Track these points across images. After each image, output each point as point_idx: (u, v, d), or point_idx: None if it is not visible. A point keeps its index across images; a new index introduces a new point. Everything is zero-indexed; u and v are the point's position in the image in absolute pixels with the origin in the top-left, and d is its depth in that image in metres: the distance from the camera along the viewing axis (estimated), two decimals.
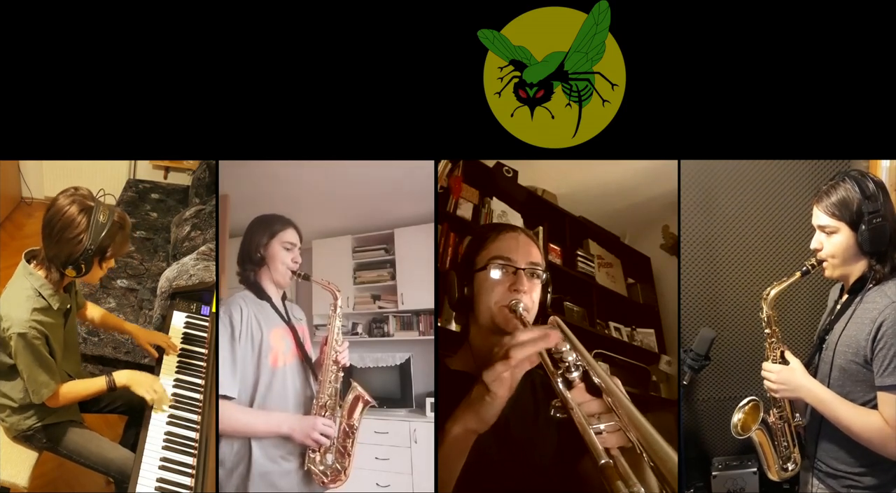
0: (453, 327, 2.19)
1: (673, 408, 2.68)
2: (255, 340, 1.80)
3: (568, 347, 1.18)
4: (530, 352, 1.14)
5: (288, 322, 1.91)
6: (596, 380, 1.15)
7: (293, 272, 1.92)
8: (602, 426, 1.09)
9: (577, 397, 1.14)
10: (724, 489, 2.27)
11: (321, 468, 1.83)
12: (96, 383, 2.00)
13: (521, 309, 1.33)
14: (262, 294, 1.89)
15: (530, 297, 1.37)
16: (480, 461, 1.22)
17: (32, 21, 1.76)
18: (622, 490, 1.01)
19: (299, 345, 1.91)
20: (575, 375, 1.16)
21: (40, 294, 1.87)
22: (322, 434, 1.81)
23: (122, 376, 2.00)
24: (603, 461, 1.05)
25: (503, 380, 1.12)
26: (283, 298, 1.96)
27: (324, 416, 1.84)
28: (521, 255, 1.39)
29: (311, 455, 1.83)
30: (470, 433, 1.16)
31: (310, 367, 1.92)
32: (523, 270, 1.38)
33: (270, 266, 1.89)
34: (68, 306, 1.99)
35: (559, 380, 1.17)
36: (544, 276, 1.41)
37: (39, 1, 1.75)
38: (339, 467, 1.83)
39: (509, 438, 1.30)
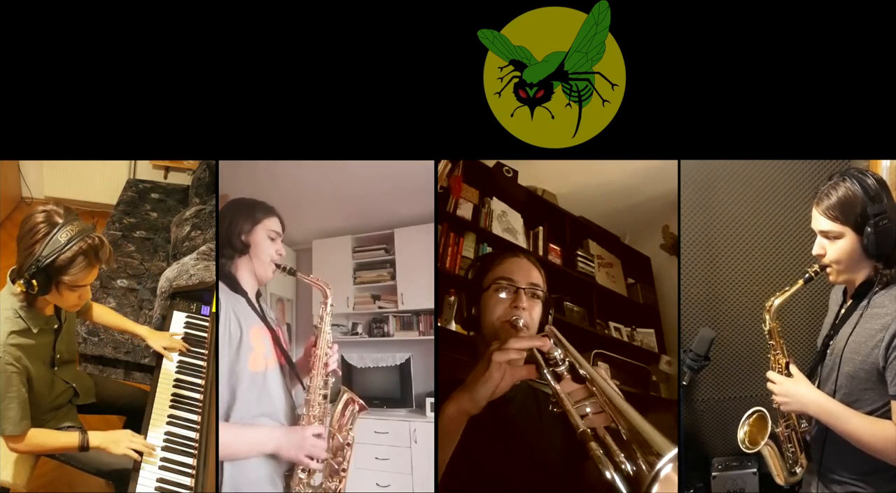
0: (453, 327, 2.20)
1: (673, 408, 2.67)
2: (234, 338, 1.60)
3: (560, 352, 1.31)
4: (527, 345, 1.28)
5: (265, 322, 1.72)
6: (581, 372, 1.28)
7: (277, 265, 1.73)
8: (588, 409, 1.23)
9: (566, 388, 1.28)
10: (724, 490, 2.27)
11: (309, 491, 1.63)
12: (68, 439, 1.88)
13: (520, 324, 1.43)
14: (237, 287, 1.69)
15: (530, 314, 1.47)
16: (485, 460, 1.30)
17: (32, 21, 1.76)
18: (595, 451, 1.13)
19: (280, 348, 1.73)
20: (562, 368, 1.30)
21: (19, 315, 1.78)
22: (315, 447, 1.62)
23: (97, 438, 1.88)
24: (581, 430, 1.17)
25: (501, 365, 1.24)
26: (258, 295, 1.77)
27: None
28: (522, 276, 1.49)
29: (300, 476, 1.61)
30: (462, 414, 1.25)
31: (294, 372, 1.76)
32: (524, 289, 1.47)
33: (253, 257, 1.71)
34: (55, 326, 1.90)
35: (549, 374, 1.29)
36: (544, 296, 1.50)
37: (39, 1, 1.75)
38: (329, 486, 1.65)
39: (515, 440, 1.36)
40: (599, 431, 1.18)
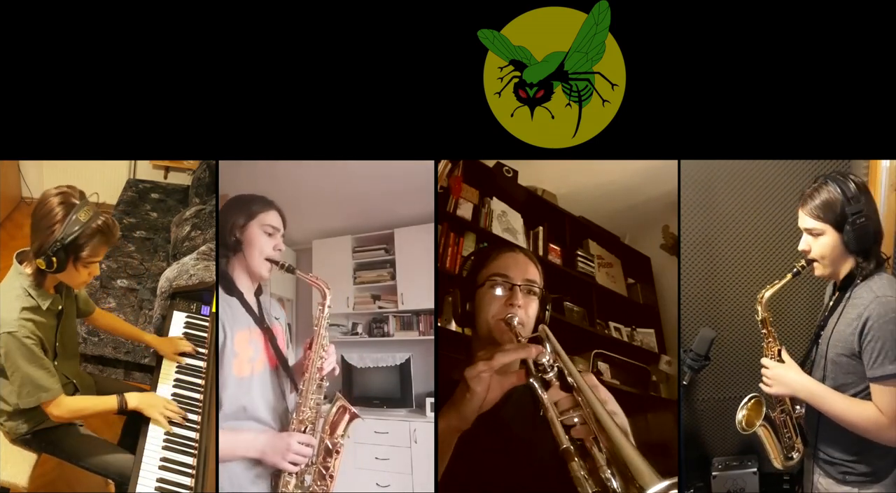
0: (453, 327, 2.20)
1: (673, 408, 2.68)
2: (220, 343, 1.59)
3: (548, 357, 1.25)
4: (512, 358, 1.24)
5: (261, 323, 1.66)
6: (569, 380, 1.23)
7: (273, 262, 1.65)
8: (576, 419, 1.18)
9: (553, 396, 1.22)
10: (724, 489, 2.27)
11: (299, 492, 1.61)
12: (107, 402, 1.96)
13: (515, 322, 1.39)
14: (231, 289, 1.63)
15: (525, 312, 1.43)
16: (483, 460, 1.28)
17: (32, 21, 1.76)
18: (577, 471, 1.11)
19: (275, 349, 1.68)
20: (550, 375, 1.24)
21: (29, 294, 1.85)
22: (298, 454, 1.59)
23: (134, 399, 1.96)
24: (564, 447, 1.14)
25: (482, 379, 1.20)
26: (258, 293, 1.71)
27: (303, 432, 1.63)
28: (518, 272, 1.45)
29: (287, 479, 1.59)
30: (452, 431, 1.23)
31: (287, 375, 1.71)
32: (519, 286, 1.43)
33: (246, 253, 1.63)
34: (60, 307, 1.95)
35: (535, 382, 1.24)
36: (540, 293, 1.46)
37: (39, 1, 1.75)
38: (317, 489, 1.62)
39: (513, 441, 1.35)
40: (587, 442, 1.14)
